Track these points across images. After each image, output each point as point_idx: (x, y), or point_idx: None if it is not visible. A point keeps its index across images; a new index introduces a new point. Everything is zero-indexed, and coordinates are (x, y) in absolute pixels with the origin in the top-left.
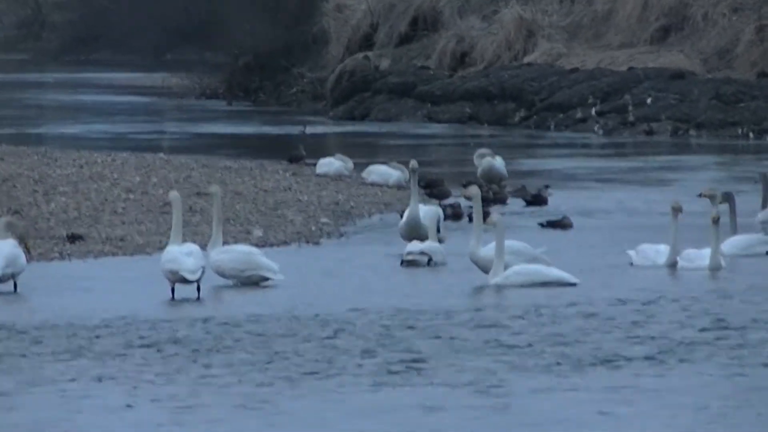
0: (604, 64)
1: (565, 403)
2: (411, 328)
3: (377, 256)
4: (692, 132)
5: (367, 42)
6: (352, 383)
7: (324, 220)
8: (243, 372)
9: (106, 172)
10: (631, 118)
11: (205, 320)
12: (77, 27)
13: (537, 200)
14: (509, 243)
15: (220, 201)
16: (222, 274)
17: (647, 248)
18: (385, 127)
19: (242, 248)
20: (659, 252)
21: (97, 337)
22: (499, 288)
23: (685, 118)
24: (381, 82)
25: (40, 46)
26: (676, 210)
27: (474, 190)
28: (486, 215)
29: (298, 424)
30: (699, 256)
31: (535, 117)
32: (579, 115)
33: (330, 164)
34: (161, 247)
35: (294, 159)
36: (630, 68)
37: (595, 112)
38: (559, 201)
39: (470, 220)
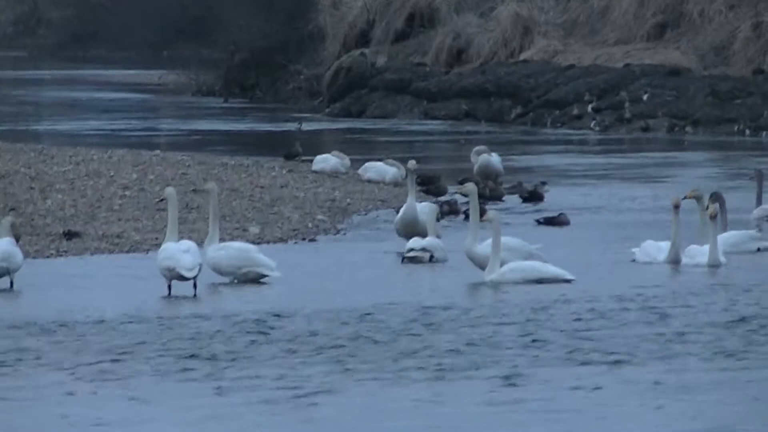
0: (601, 61)
1: (586, 399)
2: (415, 323)
3: (374, 252)
4: (688, 129)
5: (363, 39)
6: (363, 379)
7: (320, 216)
8: (240, 368)
9: (103, 169)
10: (627, 114)
11: (202, 317)
12: (74, 24)
13: (533, 197)
14: (505, 240)
15: (217, 198)
16: (219, 271)
17: (650, 245)
18: (382, 124)
19: (239, 245)
20: (661, 249)
21: (93, 334)
22: (495, 285)
23: (682, 115)
24: (377, 78)
25: (37, 42)
26: (677, 206)
27: (470, 187)
28: (482, 212)
29: (301, 421)
30: (701, 253)
31: (531, 114)
32: (575, 111)
33: (326, 161)
34: (157, 244)
35: (290, 156)
36: (626, 65)
37: (592, 108)
38: (555, 198)
39: (466, 216)
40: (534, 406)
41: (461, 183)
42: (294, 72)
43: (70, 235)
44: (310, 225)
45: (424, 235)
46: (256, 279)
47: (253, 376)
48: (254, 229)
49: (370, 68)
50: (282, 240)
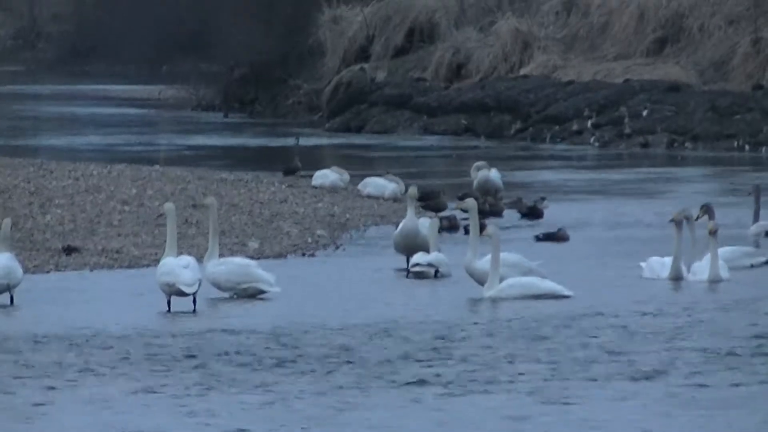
0: (600, 76)
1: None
2: (421, 339)
3: (373, 268)
4: (688, 144)
5: (363, 54)
6: (368, 395)
7: (320, 232)
8: (239, 384)
9: (102, 184)
10: (627, 130)
11: (202, 333)
12: (73, 39)
13: (533, 213)
14: (504, 255)
15: (216, 213)
16: (218, 287)
17: (654, 261)
18: (381, 139)
19: (238, 260)
20: (665, 265)
21: (93, 349)
22: (494, 300)
23: (681, 131)
24: (377, 93)
25: (36, 57)
26: (679, 222)
27: (470, 203)
28: (482, 227)
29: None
30: (702, 269)
31: (531, 129)
32: (575, 127)
33: (326, 176)
34: (157, 260)
35: (290, 171)
36: (626, 80)
37: (591, 124)
38: (555, 213)
39: (466, 232)
40: (548, 420)
41: (461, 198)
42: (294, 87)
43: (69, 250)
44: (309, 240)
45: (423, 250)
46: (256, 294)
47: (251, 392)
48: (253, 245)
49: (370, 83)
50: (281, 255)
